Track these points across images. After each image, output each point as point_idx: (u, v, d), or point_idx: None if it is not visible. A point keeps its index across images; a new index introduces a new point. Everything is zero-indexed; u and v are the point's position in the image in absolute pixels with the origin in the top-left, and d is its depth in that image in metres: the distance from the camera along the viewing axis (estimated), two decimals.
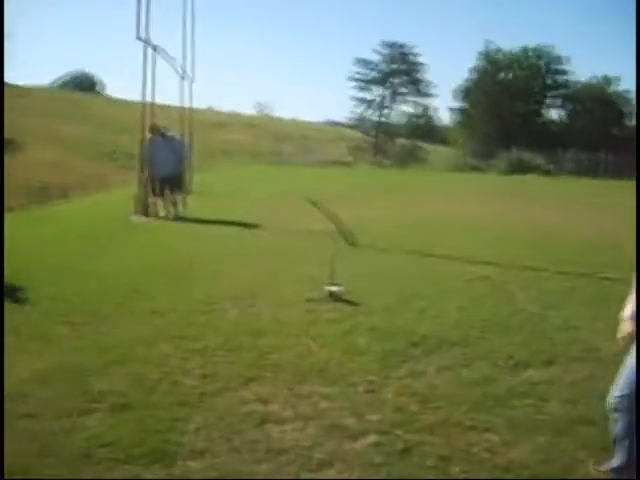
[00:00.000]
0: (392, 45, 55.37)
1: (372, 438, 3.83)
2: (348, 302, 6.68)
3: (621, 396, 3.33)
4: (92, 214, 13.43)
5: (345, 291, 6.83)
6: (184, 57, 18.21)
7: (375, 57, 55.82)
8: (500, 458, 3.66)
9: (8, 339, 5.15)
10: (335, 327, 5.92)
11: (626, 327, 3.33)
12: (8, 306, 6.11)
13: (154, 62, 13.18)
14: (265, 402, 4.28)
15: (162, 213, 12.93)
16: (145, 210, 12.64)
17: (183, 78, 18.91)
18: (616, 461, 3.44)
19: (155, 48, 13.31)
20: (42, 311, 6.06)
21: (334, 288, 6.79)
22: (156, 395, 4.32)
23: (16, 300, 6.33)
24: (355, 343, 5.51)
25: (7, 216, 12.32)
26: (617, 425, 3.38)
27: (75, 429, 3.79)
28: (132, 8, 12.38)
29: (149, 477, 3.33)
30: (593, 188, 26.79)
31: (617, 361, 3.52)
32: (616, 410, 3.36)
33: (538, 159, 44.56)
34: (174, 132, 14.64)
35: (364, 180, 27.46)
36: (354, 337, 5.66)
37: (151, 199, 12.91)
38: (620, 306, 3.45)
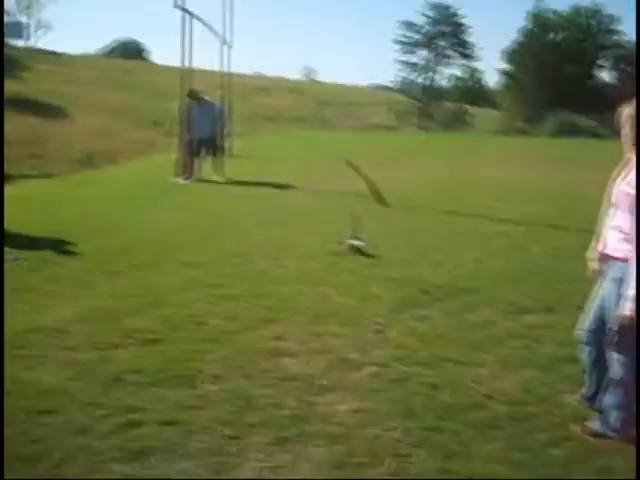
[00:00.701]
0: (437, 6, 54.74)
1: (372, 369, 4.27)
2: (369, 255, 7.09)
3: (590, 330, 3.68)
4: (136, 177, 14.04)
5: (367, 245, 7.23)
6: (224, 23, 18.69)
7: (420, 19, 55.27)
8: (485, 387, 4.06)
9: (50, 287, 5.73)
10: (353, 277, 6.36)
11: (592, 266, 3.70)
12: (54, 257, 6.71)
13: (192, 29, 13.62)
14: (280, 339, 4.75)
15: (200, 174, 13.43)
16: (185, 172, 13.17)
17: (224, 43, 19.36)
18: (587, 391, 3.81)
19: (193, 14, 13.72)
20: (83, 262, 6.62)
21: (356, 242, 7.20)
22: (182, 332, 4.82)
23: (61, 252, 6.91)
24: (370, 291, 5.94)
25: (55, 179, 13.04)
26: (587, 357, 3.74)
27: (109, 359, 4.30)
28: None
29: (172, 398, 3.82)
30: None
31: None
32: (586, 343, 3.72)
33: (589, 122, 43.89)
34: (211, 97, 15.07)
35: (406, 144, 27.62)
36: (370, 286, 6.08)
37: (191, 161, 13.41)
38: None
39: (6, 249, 6.41)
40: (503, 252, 7.58)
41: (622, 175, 3.43)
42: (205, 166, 13.72)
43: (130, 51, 59.55)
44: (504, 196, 12.05)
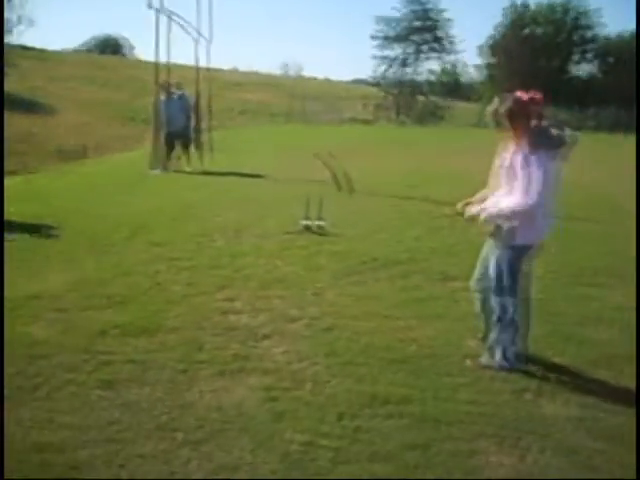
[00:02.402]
0: (414, 2, 55.33)
1: (306, 321, 5.05)
2: (320, 234, 7.85)
3: (477, 279, 4.47)
4: (111, 169, 14.71)
5: (317, 225, 7.97)
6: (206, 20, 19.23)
7: (396, 14, 55.87)
8: (401, 334, 4.85)
9: (42, 262, 6.46)
10: (303, 251, 7.13)
11: (472, 210, 4.43)
12: (44, 239, 7.44)
13: (170, 25, 14.26)
14: (231, 300, 5.51)
15: (173, 166, 14.06)
16: (159, 164, 13.80)
17: (201, 40, 19.93)
18: (480, 333, 4.60)
19: (168, 13, 14.35)
20: (67, 243, 7.34)
21: (308, 222, 7.95)
22: (147, 296, 5.57)
23: (47, 235, 7.64)
24: (316, 262, 6.71)
25: (41, 172, 13.70)
26: (477, 303, 4.53)
27: (93, 318, 5.04)
28: None
29: (138, 345, 4.56)
30: (603, 143, 27.53)
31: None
32: (475, 291, 4.51)
33: (561, 115, 44.83)
34: (185, 91, 15.49)
35: (379, 137, 28.32)
36: (316, 258, 6.86)
37: (165, 153, 14.02)
38: None
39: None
40: (443, 231, 8.37)
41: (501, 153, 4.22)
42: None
43: (108, 47, 59.87)
44: (461, 183, 12.79)
